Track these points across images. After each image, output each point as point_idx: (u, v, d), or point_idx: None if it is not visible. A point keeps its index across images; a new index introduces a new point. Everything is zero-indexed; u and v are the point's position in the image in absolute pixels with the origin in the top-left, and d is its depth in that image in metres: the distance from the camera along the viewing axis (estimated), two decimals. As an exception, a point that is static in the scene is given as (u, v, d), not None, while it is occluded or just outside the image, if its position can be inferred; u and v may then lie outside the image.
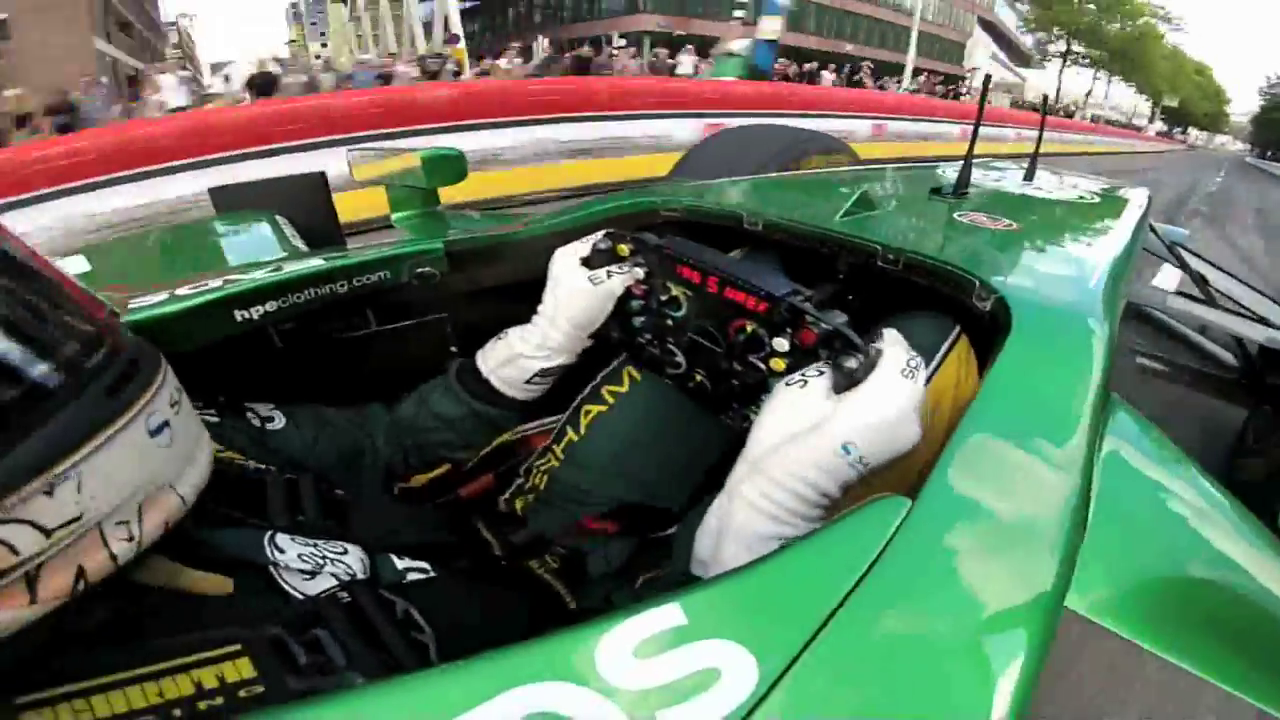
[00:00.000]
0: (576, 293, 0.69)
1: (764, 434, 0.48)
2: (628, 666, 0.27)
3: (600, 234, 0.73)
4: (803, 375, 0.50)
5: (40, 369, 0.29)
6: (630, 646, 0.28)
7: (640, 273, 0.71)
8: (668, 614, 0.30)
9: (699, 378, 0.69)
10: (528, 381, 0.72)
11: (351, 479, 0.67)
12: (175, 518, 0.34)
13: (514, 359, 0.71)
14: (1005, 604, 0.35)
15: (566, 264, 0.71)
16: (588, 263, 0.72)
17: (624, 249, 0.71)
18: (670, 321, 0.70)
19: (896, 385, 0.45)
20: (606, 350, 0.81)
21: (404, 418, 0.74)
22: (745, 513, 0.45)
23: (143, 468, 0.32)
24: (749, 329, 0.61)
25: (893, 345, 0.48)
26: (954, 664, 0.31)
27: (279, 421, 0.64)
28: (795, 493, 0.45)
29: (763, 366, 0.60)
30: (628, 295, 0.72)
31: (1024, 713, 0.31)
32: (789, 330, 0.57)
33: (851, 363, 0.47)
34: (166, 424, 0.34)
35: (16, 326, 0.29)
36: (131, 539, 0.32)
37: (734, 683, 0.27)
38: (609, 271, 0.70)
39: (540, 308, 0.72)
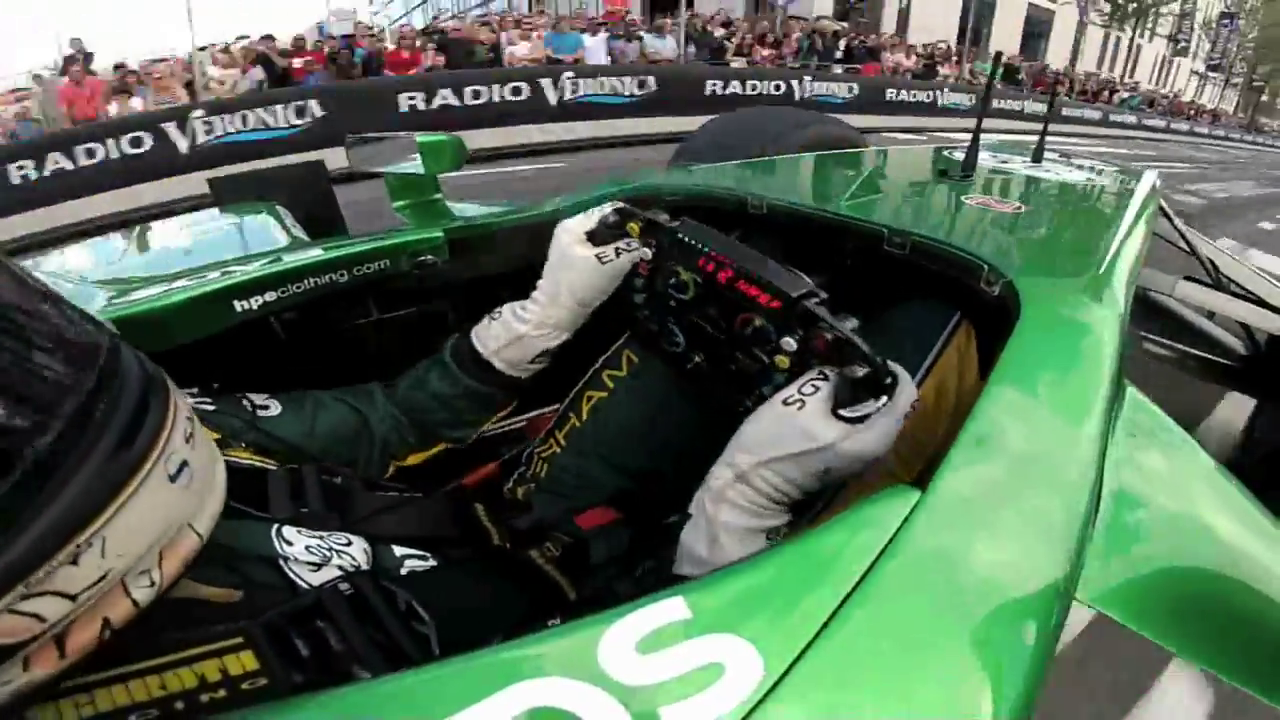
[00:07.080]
0: (583, 271, 0.68)
1: (750, 442, 0.49)
2: (631, 661, 0.27)
3: (608, 208, 0.70)
4: (799, 394, 0.48)
5: (50, 433, 0.25)
6: (633, 641, 0.28)
7: (649, 253, 0.68)
8: (671, 607, 0.29)
9: (697, 359, 0.68)
10: (531, 361, 0.71)
11: (350, 459, 0.67)
12: (193, 555, 0.33)
13: (517, 340, 0.70)
14: (1013, 596, 0.34)
15: (571, 240, 0.69)
16: (592, 237, 0.69)
17: (635, 228, 0.69)
18: (674, 303, 0.68)
19: (897, 426, 0.46)
20: (608, 333, 0.80)
21: (402, 398, 0.73)
22: (730, 513, 0.48)
23: (164, 515, 0.30)
24: (757, 323, 0.59)
25: (906, 383, 0.47)
26: (962, 657, 0.31)
27: (275, 409, 0.64)
28: (775, 498, 0.48)
29: (765, 359, 0.59)
30: (632, 273, 0.70)
31: (1032, 705, 0.30)
32: (799, 332, 0.55)
33: (859, 373, 0.46)
34: (185, 463, 0.31)
35: (22, 380, 0.25)
36: (152, 584, 0.30)
37: (738, 678, 0.27)
38: (617, 250, 0.68)
39: (541, 284, 0.70)
